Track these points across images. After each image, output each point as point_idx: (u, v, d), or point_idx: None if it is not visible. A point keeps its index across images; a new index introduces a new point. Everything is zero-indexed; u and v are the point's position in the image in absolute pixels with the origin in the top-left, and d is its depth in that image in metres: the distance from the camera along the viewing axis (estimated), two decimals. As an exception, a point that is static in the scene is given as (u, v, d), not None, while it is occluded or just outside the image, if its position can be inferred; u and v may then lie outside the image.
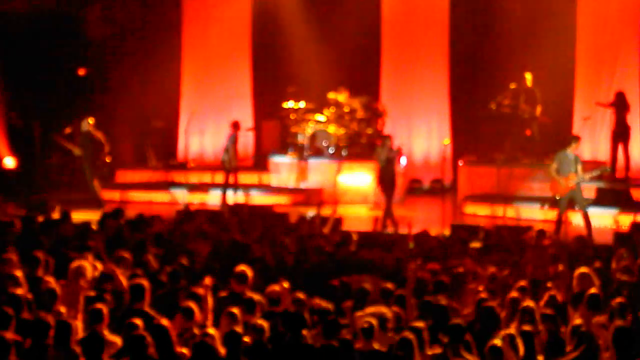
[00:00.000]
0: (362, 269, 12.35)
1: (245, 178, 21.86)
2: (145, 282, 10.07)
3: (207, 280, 10.46)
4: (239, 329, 8.83)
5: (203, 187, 22.10)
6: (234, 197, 20.95)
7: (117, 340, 8.80)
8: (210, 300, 10.05)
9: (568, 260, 12.85)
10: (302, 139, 22.34)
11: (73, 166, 21.83)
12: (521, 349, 8.63)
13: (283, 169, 22.51)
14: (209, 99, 24.16)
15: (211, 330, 8.74)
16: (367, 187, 21.69)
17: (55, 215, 16.98)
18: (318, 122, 22.40)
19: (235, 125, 21.28)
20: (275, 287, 10.39)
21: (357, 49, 23.33)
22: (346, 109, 22.40)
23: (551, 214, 18.31)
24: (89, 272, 10.90)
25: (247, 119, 23.78)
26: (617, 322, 8.73)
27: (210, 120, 23.91)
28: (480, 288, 11.25)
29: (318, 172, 22.14)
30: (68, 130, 21.37)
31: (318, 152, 22.30)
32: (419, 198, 22.41)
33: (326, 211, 17.07)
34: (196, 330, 9.06)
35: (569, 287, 11.19)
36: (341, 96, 22.42)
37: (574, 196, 17.34)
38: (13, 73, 22.67)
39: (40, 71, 22.49)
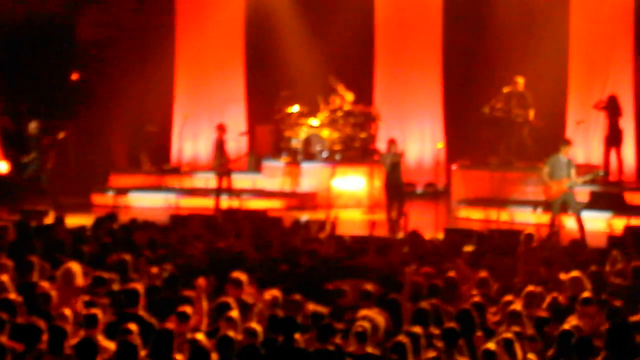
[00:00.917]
0: (357, 274, 12.34)
1: (239, 182, 21.84)
2: (139, 287, 10.05)
3: (201, 281, 10.37)
4: (231, 333, 8.82)
5: (196, 192, 22.08)
6: (229, 202, 20.91)
7: (111, 345, 8.78)
8: (205, 304, 10.02)
9: (561, 263, 12.87)
10: (295, 143, 22.33)
11: (67, 171, 21.79)
12: (519, 353, 8.64)
13: (277, 173, 22.51)
14: (202, 103, 24.14)
15: (200, 336, 8.70)
16: (360, 191, 21.69)
17: (49, 220, 16.95)
18: (312, 126, 22.41)
19: (221, 128, 21.24)
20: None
21: (350, 53, 23.37)
22: (340, 112, 22.37)
23: (545, 218, 18.33)
24: (79, 276, 10.85)
25: (240, 123, 23.78)
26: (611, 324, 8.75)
27: (204, 125, 23.87)
28: (474, 292, 11.26)
29: (312, 176, 22.14)
30: (61, 135, 21.32)
31: (312, 156, 22.30)
32: (412, 202, 22.37)
33: (321, 215, 17.04)
34: (190, 335, 9.04)
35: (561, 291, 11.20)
36: (340, 89, 22.34)
37: (567, 200, 17.35)
38: (6, 77, 22.63)
39: (34, 75, 22.46)
